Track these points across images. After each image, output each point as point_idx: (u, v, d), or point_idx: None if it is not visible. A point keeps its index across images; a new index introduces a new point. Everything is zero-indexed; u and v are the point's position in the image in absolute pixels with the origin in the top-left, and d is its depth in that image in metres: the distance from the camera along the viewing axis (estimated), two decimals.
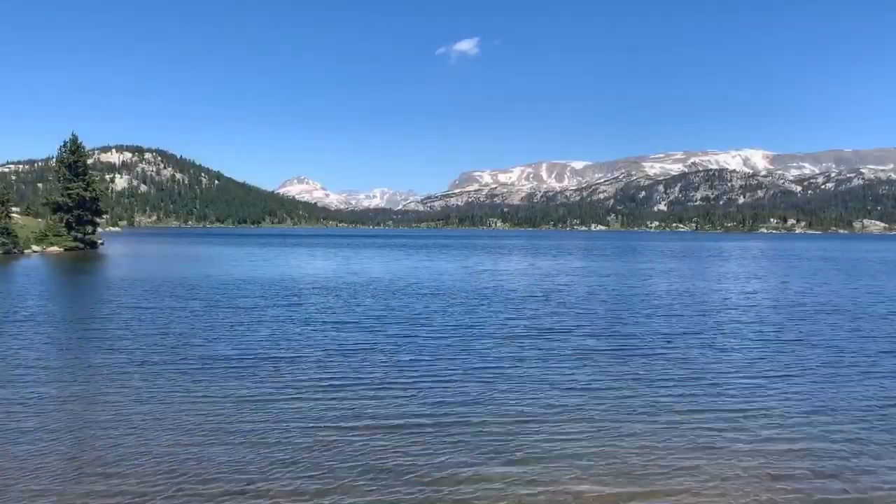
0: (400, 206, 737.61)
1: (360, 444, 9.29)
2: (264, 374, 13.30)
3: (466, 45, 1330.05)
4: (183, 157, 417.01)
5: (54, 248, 60.50)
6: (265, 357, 14.83)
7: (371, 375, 13.18)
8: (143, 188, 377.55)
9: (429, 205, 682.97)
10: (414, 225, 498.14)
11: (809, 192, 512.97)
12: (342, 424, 10.11)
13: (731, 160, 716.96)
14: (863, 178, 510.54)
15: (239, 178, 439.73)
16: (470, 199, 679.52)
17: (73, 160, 64.83)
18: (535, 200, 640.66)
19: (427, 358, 14.85)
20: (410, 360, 14.65)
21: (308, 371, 13.51)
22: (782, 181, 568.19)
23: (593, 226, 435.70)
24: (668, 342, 17.27)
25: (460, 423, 10.26)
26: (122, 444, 9.31)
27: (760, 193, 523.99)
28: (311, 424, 10.10)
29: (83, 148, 66.69)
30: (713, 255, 74.18)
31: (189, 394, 11.82)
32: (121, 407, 11.04)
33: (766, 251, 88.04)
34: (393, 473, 8.26)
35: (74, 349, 15.91)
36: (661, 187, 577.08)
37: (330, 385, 12.43)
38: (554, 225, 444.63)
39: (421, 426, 10.05)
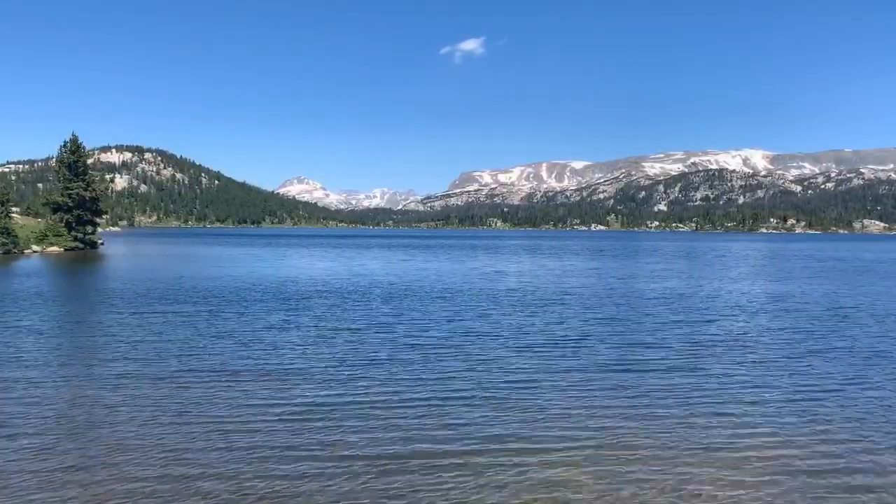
0: (400, 206, 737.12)
1: (366, 472, 8.40)
2: (270, 387, 12.38)
3: (472, 45, 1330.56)
4: (183, 157, 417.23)
5: (54, 248, 59.98)
6: (272, 369, 13.89)
7: (380, 391, 12.08)
8: (143, 188, 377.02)
9: (429, 205, 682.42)
10: (414, 225, 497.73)
11: (809, 192, 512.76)
12: (346, 453, 9.03)
13: (731, 160, 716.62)
14: (863, 178, 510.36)
15: (239, 178, 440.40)
16: (470, 199, 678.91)
17: (73, 160, 64.37)
18: (535, 200, 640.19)
19: (444, 373, 13.60)
20: (427, 376, 13.33)
21: (310, 388, 12.32)
22: (782, 181, 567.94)
23: (593, 226, 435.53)
24: (698, 352, 16.01)
25: (476, 451, 9.15)
26: (119, 451, 8.97)
27: (760, 193, 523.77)
28: (309, 451, 9.11)
29: (83, 148, 66.29)
30: (723, 255, 73.12)
31: (188, 405, 11.19)
32: (120, 415, 10.64)
33: (777, 252, 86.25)
34: None
35: (73, 355, 15.47)
36: (661, 187, 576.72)
37: (335, 403, 11.35)
38: (554, 225, 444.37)
39: (435, 454, 9.04)
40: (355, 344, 16.61)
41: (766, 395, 12.25)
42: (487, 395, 12.01)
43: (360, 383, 12.71)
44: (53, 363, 14.25)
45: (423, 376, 13.32)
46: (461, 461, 8.81)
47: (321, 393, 11.99)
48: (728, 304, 25.99)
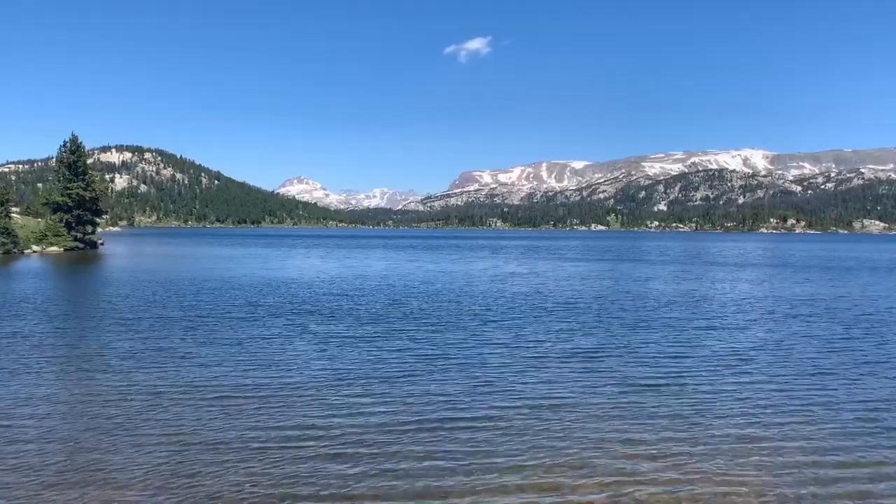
0: (400, 206, 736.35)
1: None
2: (269, 405, 11.32)
3: (477, 44, 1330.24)
4: (183, 156, 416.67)
5: (54, 248, 59.53)
6: (273, 384, 12.73)
7: (389, 411, 10.91)
8: (143, 188, 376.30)
9: (429, 205, 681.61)
10: (414, 225, 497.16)
11: (809, 192, 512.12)
12: (344, 490, 7.97)
13: (731, 160, 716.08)
14: (863, 178, 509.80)
15: (239, 178, 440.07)
16: (470, 199, 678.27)
17: (73, 160, 63.93)
18: (535, 200, 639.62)
19: (459, 391, 12.24)
20: (441, 393, 12.08)
21: (311, 406, 11.20)
22: (782, 181, 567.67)
23: (593, 226, 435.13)
24: (737, 365, 14.69)
25: (497, 487, 8.08)
26: (114, 459, 8.57)
27: (760, 193, 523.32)
28: (309, 481, 8.20)
29: (83, 148, 65.86)
30: (735, 256, 71.80)
31: (182, 422, 10.37)
32: (112, 430, 10.21)
33: (789, 252, 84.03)
34: None
35: (68, 364, 14.94)
36: (661, 187, 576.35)
37: (336, 425, 10.29)
38: (554, 225, 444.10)
39: (449, 492, 8.00)
40: (363, 355, 15.66)
41: (823, 411, 11.32)
42: (505, 415, 10.92)
43: (365, 399, 11.73)
44: (45, 373, 13.79)
45: (436, 394, 12.12)
46: (476, 499, 7.86)
47: (322, 413, 10.90)
48: (758, 309, 24.83)
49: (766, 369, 14.38)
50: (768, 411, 11.24)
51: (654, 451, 9.28)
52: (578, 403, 11.57)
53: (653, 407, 11.39)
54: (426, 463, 8.84)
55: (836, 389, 12.75)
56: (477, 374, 13.57)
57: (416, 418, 10.69)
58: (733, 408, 11.40)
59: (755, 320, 21.86)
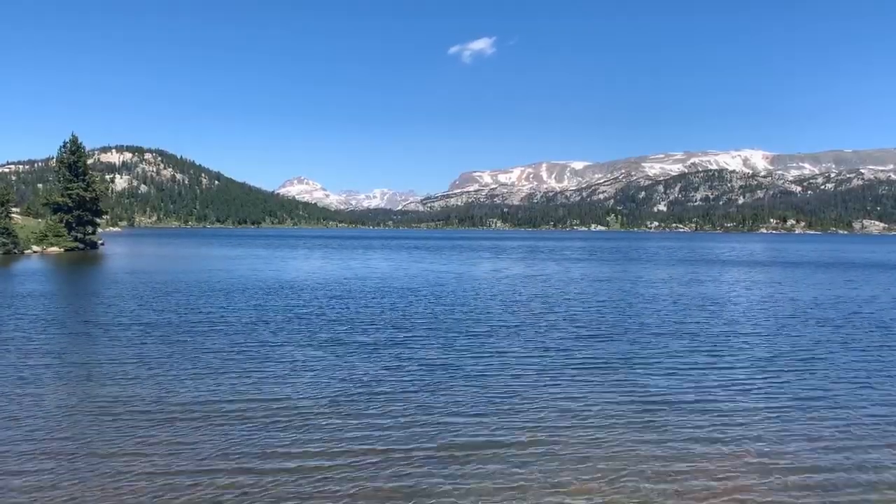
0: (400, 207, 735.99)
1: None
2: (282, 417, 10.73)
3: (482, 45, 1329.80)
4: (183, 157, 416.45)
5: (54, 249, 59.12)
6: (285, 396, 12.06)
7: (390, 434, 10.16)
8: (143, 188, 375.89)
9: (429, 205, 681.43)
10: (414, 225, 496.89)
11: (809, 192, 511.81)
12: None
13: (731, 160, 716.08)
14: (863, 179, 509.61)
15: (239, 179, 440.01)
16: (470, 200, 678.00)
17: (73, 160, 63.56)
18: (535, 201, 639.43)
19: (469, 410, 11.37)
20: (448, 412, 11.12)
21: (308, 425, 10.34)
22: (782, 181, 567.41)
23: (593, 226, 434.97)
24: (771, 375, 13.86)
25: None
26: (117, 470, 8.16)
27: (760, 194, 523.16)
28: None
29: (83, 148, 65.57)
30: (746, 257, 70.72)
31: (171, 444, 9.50)
32: (120, 434, 9.73)
33: (798, 253, 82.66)
34: None
35: (58, 374, 14.35)
36: (661, 187, 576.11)
37: (327, 449, 9.42)
38: (554, 225, 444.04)
39: None
40: (376, 366, 14.91)
41: (864, 426, 10.70)
42: (530, 431, 10.35)
43: (380, 410, 11.21)
44: (45, 377, 13.27)
45: (455, 408, 11.37)
46: None
47: (334, 431, 10.18)
48: (781, 313, 23.92)
49: (798, 380, 13.73)
50: (803, 426, 10.66)
51: (686, 471, 8.76)
52: (604, 418, 10.97)
53: (680, 422, 10.83)
54: (448, 485, 8.26)
55: (875, 400, 12.17)
56: (497, 385, 12.96)
57: (436, 434, 10.10)
58: (764, 421, 10.88)
59: (781, 325, 21.10)
